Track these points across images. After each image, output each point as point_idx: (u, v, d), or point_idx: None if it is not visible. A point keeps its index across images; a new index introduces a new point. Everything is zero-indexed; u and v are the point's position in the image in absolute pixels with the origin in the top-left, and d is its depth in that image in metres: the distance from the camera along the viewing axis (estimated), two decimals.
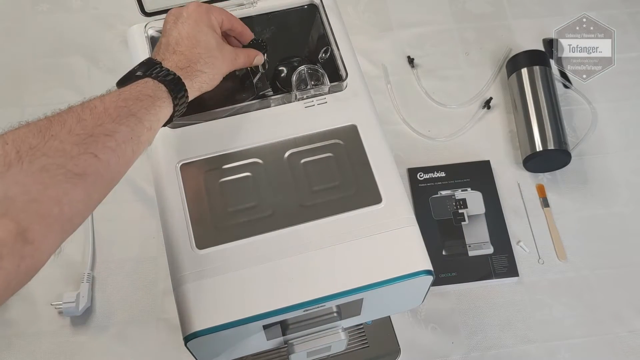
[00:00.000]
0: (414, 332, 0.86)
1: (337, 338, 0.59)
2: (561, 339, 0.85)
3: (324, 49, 0.67)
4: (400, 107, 1.04)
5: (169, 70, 0.52)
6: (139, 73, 0.51)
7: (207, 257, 0.54)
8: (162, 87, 0.51)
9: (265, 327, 0.54)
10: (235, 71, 0.65)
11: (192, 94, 0.54)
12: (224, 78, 0.58)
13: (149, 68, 0.51)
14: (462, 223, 0.93)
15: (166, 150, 0.60)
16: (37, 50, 1.08)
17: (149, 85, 0.50)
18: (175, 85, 0.51)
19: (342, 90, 0.64)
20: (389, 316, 0.84)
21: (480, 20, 1.13)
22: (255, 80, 0.65)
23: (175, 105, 0.52)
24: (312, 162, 0.59)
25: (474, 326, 0.86)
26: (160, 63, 0.52)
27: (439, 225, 0.93)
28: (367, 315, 0.62)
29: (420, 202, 0.95)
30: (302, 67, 0.64)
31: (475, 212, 0.94)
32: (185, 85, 0.52)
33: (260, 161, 0.59)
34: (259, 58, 0.63)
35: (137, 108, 0.47)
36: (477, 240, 0.92)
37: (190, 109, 0.56)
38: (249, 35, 0.63)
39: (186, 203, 0.56)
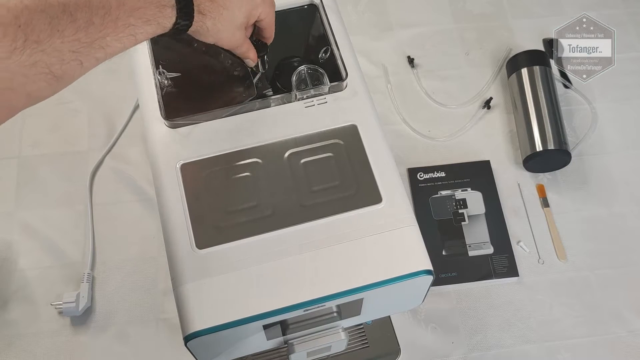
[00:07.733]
0: (414, 332, 0.86)
1: (337, 338, 0.59)
2: (561, 339, 0.85)
3: (324, 49, 0.67)
4: (400, 107, 1.04)
5: (193, 11, 0.50)
6: None
7: (207, 257, 0.54)
8: (173, 20, 0.49)
9: (265, 327, 0.54)
10: (235, 71, 0.65)
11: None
12: (224, 77, 0.58)
13: None
14: (462, 223, 0.93)
15: (166, 150, 0.60)
16: None
17: (167, 11, 0.49)
18: (185, 25, 0.50)
19: (342, 90, 0.64)
20: (389, 316, 0.84)
21: (480, 20, 1.13)
22: (255, 80, 0.65)
23: (167, 34, 0.51)
24: (312, 162, 0.59)
25: (474, 326, 0.86)
26: None
27: (439, 225, 0.93)
28: (367, 315, 0.62)
29: (420, 202, 0.95)
30: (302, 67, 0.63)
31: (475, 212, 0.94)
32: (189, 27, 0.51)
33: (260, 161, 0.59)
34: (250, 62, 0.63)
35: (142, 30, 0.47)
36: (477, 240, 0.92)
37: (191, 109, 0.55)
38: (269, 39, 0.64)
39: (186, 203, 0.56)
